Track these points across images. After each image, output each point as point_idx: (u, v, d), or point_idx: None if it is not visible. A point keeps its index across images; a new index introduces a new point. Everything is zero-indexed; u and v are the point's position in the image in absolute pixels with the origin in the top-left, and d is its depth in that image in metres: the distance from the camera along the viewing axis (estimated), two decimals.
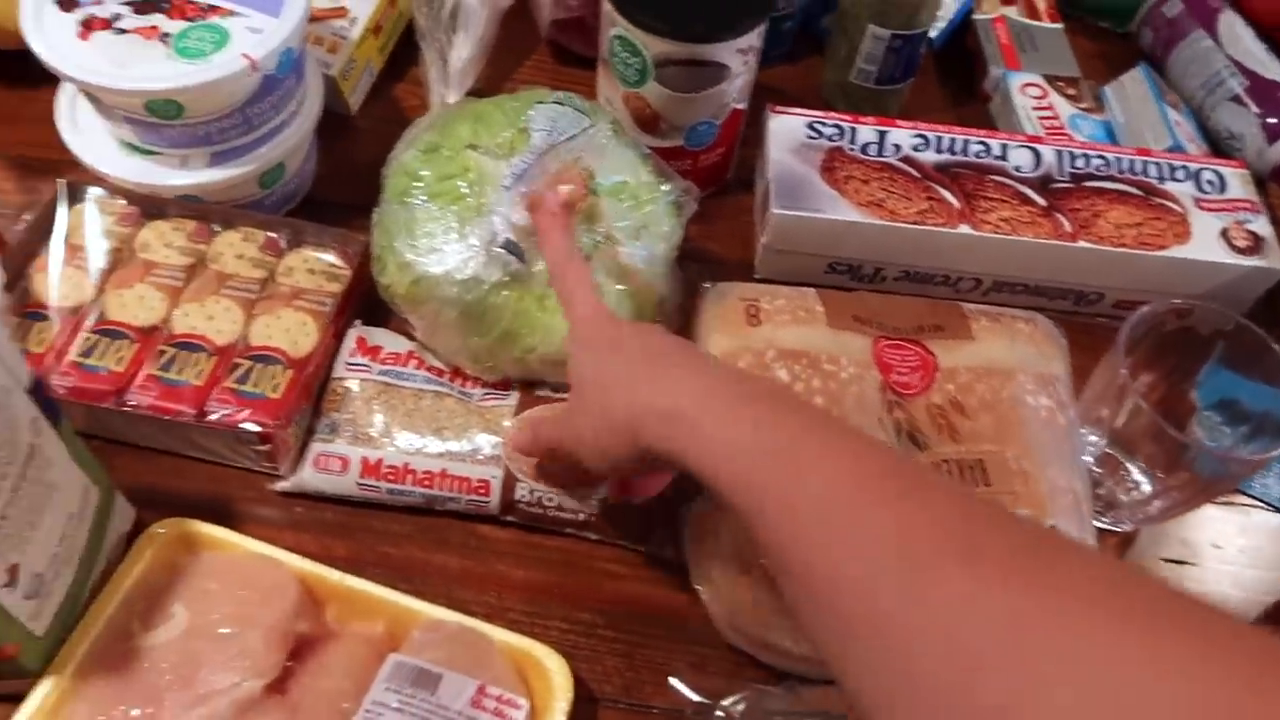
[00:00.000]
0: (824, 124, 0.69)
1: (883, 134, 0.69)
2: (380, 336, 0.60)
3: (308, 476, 0.56)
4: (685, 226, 0.61)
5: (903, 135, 0.69)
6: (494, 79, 0.79)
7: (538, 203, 0.53)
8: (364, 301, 0.61)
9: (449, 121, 0.59)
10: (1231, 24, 0.83)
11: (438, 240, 0.54)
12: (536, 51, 0.81)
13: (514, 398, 0.57)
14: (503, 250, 0.53)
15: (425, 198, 0.55)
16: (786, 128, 0.69)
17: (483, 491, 0.55)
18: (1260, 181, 0.79)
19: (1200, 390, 0.63)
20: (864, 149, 0.68)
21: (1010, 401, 0.56)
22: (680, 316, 0.61)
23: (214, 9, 0.60)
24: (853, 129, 0.69)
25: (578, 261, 0.51)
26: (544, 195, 0.53)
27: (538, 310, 0.55)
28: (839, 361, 0.56)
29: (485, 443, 0.55)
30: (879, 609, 0.31)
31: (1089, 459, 0.59)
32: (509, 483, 0.55)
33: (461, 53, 0.74)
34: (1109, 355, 0.57)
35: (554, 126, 0.57)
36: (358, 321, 0.61)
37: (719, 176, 0.73)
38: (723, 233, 0.71)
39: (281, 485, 0.56)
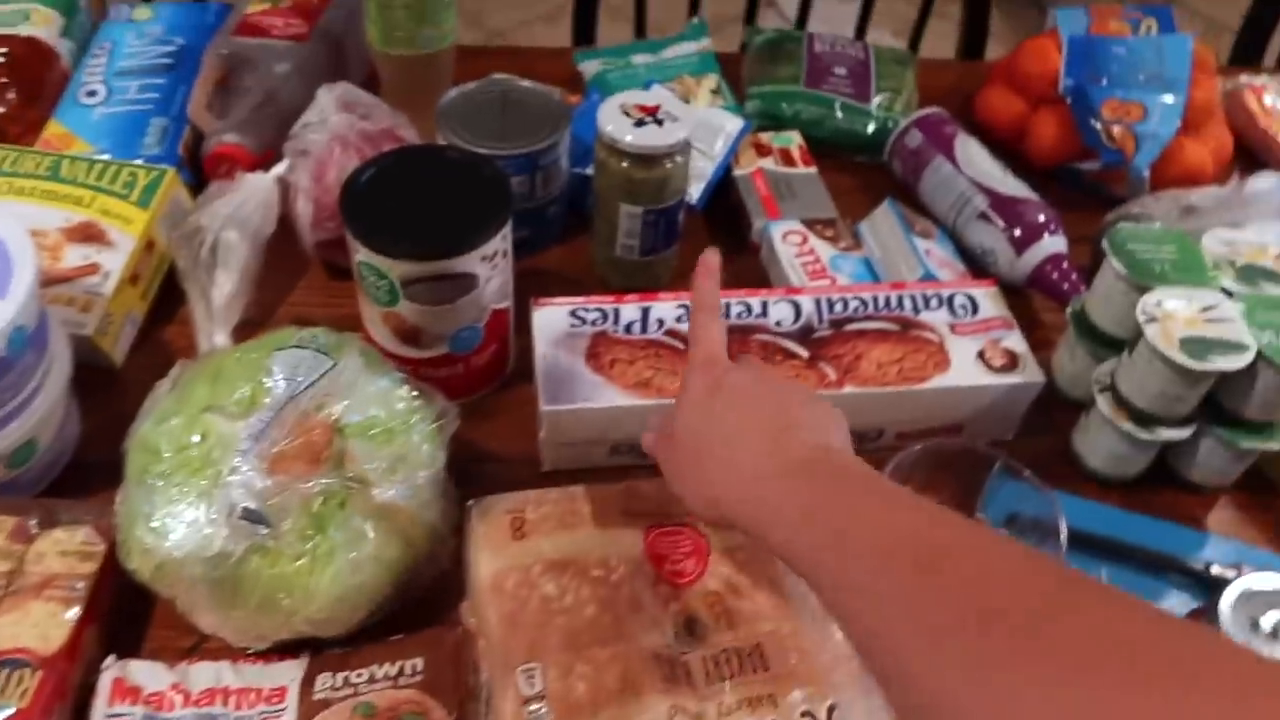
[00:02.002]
0: (586, 310, 0.70)
1: (645, 310, 0.70)
2: (139, 673, 0.55)
3: None
4: (449, 445, 0.60)
5: (666, 309, 0.71)
6: (267, 305, 0.78)
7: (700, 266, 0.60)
8: (121, 579, 0.59)
9: (187, 383, 0.58)
10: (966, 145, 0.88)
11: (179, 519, 0.52)
12: (309, 271, 0.82)
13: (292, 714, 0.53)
14: (245, 521, 0.52)
15: (164, 473, 0.54)
16: (550, 320, 0.70)
17: None
18: (1018, 290, 0.84)
19: (988, 509, 0.65)
20: (628, 328, 0.69)
21: (785, 571, 0.56)
22: (457, 537, 0.60)
23: None
24: (615, 310, 0.70)
25: (709, 310, 0.58)
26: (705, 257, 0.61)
27: (293, 573, 0.53)
28: (608, 564, 0.56)
29: None
30: (908, 671, 0.38)
31: None
32: None
33: (224, 289, 0.74)
34: None
35: (293, 374, 0.57)
36: (112, 658, 0.56)
37: (497, 373, 0.74)
38: (506, 429, 0.71)
39: None
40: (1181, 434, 0.67)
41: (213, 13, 0.96)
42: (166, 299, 0.78)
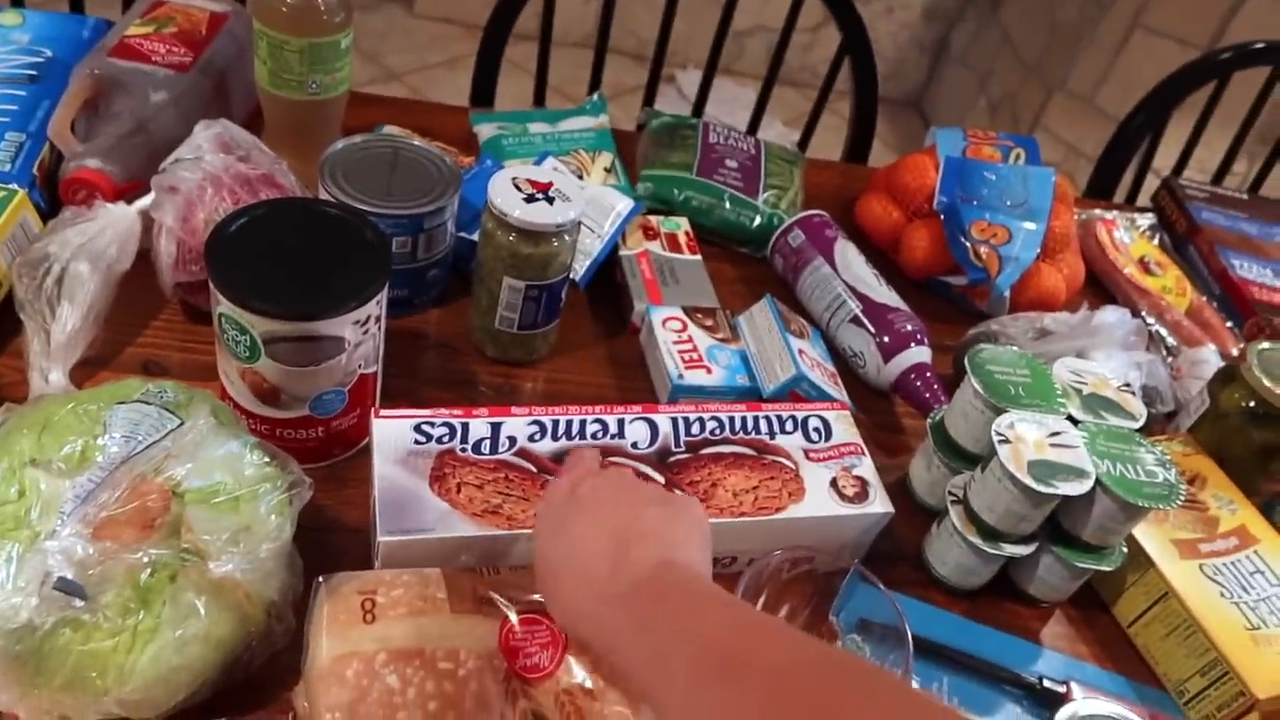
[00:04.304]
0: (432, 424, 0.65)
1: (496, 426, 0.66)
2: None
3: None
4: (297, 517, 0.57)
5: (518, 425, 0.66)
6: (115, 344, 0.73)
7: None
8: None
9: (11, 431, 0.53)
10: (845, 250, 0.92)
11: None
12: (166, 310, 0.77)
13: None
14: (59, 591, 0.47)
15: None
16: (392, 434, 0.64)
17: None
18: (883, 394, 0.87)
19: (841, 614, 0.66)
20: (476, 447, 0.64)
21: None
22: (297, 614, 0.57)
23: None
24: (464, 425, 0.65)
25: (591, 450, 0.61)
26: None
27: (109, 651, 0.49)
28: (457, 656, 0.53)
29: None
30: None
31: None
32: None
33: (66, 325, 0.68)
34: None
35: (133, 432, 0.53)
36: None
37: (358, 438, 0.70)
38: (361, 498, 0.68)
39: None
40: (1024, 550, 0.70)
41: (89, 27, 0.92)
42: None
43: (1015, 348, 0.77)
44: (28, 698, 0.49)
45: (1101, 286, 1.06)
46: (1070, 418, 0.72)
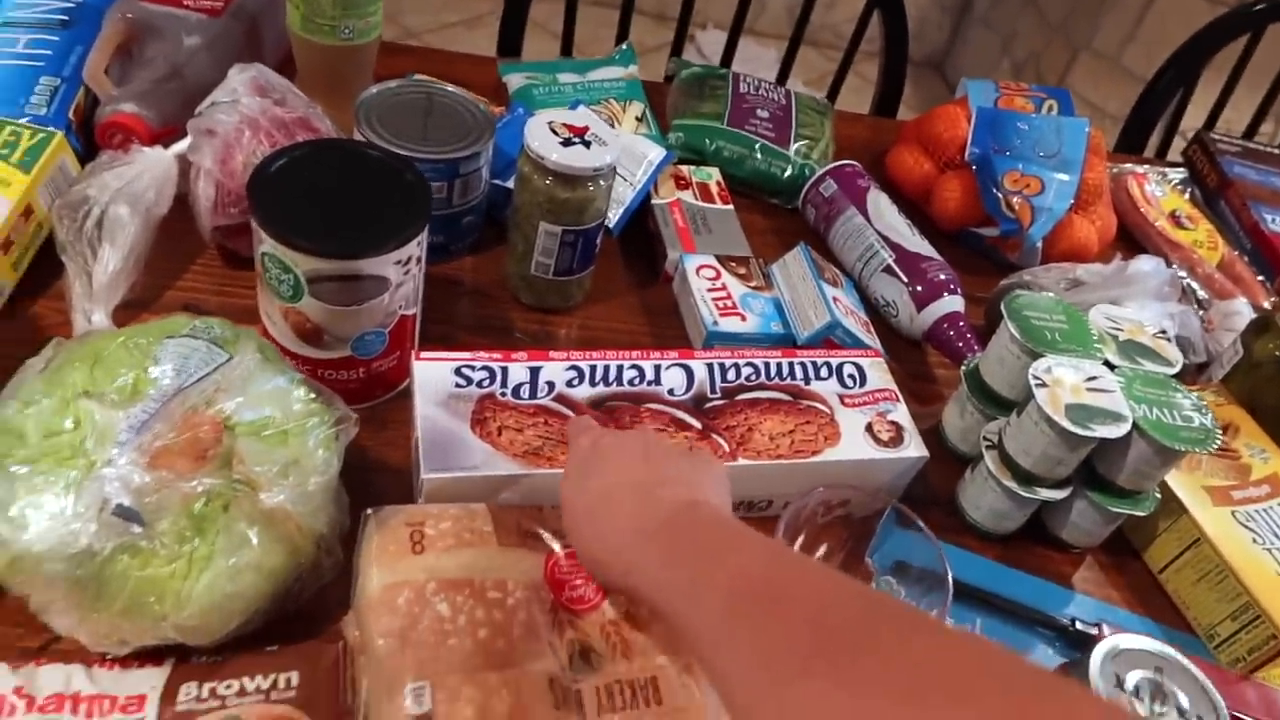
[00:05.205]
0: (473, 368, 0.65)
1: (535, 371, 0.66)
2: None
3: None
4: (344, 453, 0.58)
5: (556, 370, 0.67)
6: (154, 287, 0.74)
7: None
8: None
9: (63, 364, 0.54)
10: (878, 200, 0.91)
11: (42, 510, 0.48)
12: (204, 255, 0.77)
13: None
14: (117, 518, 0.48)
15: (28, 461, 0.49)
16: (434, 377, 0.64)
17: None
18: (915, 343, 0.87)
19: (876, 555, 0.67)
20: (516, 391, 0.65)
21: None
22: (345, 548, 0.58)
23: None
24: (503, 369, 0.66)
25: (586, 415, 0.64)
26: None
27: (166, 577, 0.50)
28: (505, 586, 0.54)
29: None
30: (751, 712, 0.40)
31: None
32: None
33: (108, 266, 0.69)
34: None
35: (183, 366, 0.53)
36: None
37: (398, 380, 0.71)
38: (403, 439, 0.69)
39: None
40: (1059, 495, 0.70)
41: None
42: (40, 270, 0.73)
43: (1051, 294, 0.77)
44: (87, 621, 0.50)
45: (1132, 240, 1.06)
46: (1107, 363, 0.72)
